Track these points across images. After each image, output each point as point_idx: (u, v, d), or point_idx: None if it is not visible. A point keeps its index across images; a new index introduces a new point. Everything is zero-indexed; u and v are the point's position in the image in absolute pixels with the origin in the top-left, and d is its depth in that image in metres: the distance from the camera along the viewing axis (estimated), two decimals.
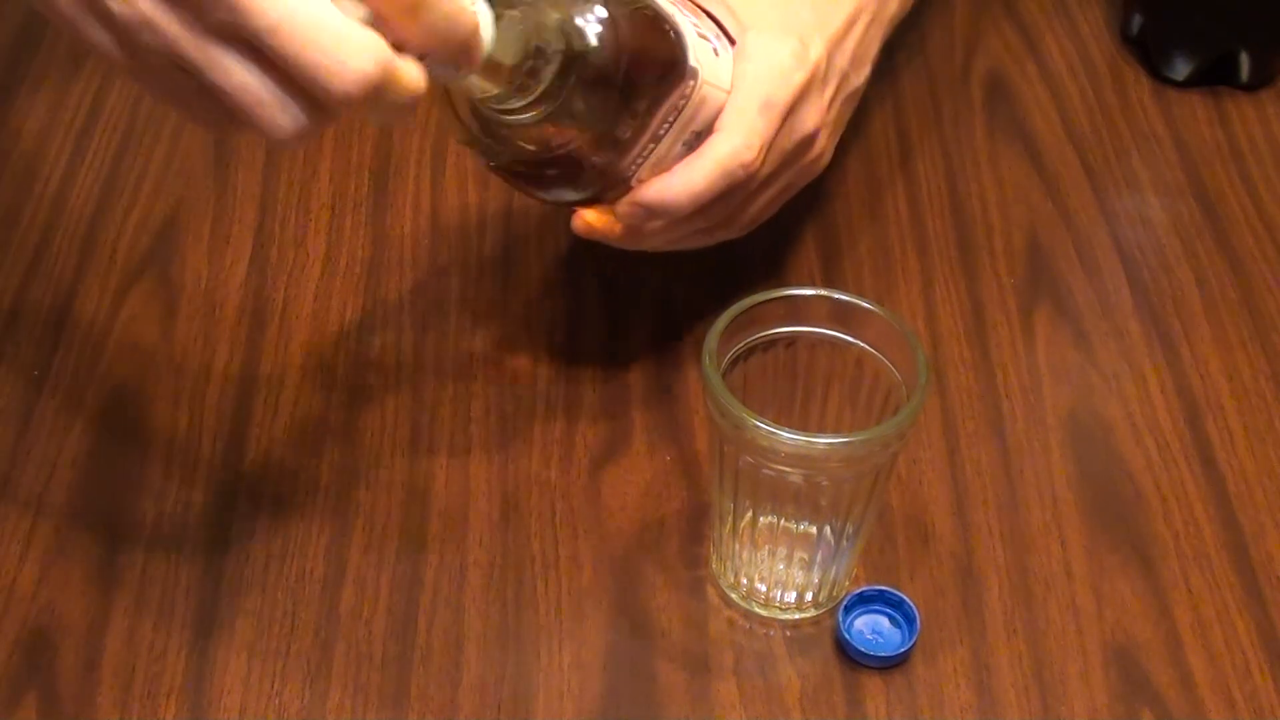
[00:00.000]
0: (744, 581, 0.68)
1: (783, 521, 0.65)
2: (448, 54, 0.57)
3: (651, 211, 0.68)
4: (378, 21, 0.53)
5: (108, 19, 0.52)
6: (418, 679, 0.65)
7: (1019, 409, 0.76)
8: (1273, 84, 0.95)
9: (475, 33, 0.57)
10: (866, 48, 0.77)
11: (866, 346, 0.65)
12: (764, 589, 0.67)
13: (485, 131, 0.65)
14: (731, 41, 0.71)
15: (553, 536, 0.70)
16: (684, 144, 0.68)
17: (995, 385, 0.77)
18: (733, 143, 0.69)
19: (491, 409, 0.75)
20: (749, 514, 0.66)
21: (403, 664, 0.65)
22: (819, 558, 0.66)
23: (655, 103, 0.66)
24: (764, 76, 0.70)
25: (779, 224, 0.79)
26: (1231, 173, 0.89)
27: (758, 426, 0.60)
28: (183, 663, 0.65)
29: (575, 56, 0.62)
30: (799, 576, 0.67)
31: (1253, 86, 0.94)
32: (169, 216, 0.84)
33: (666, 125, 0.67)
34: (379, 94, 0.53)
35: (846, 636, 0.66)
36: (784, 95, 0.70)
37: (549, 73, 0.62)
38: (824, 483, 0.63)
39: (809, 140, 0.73)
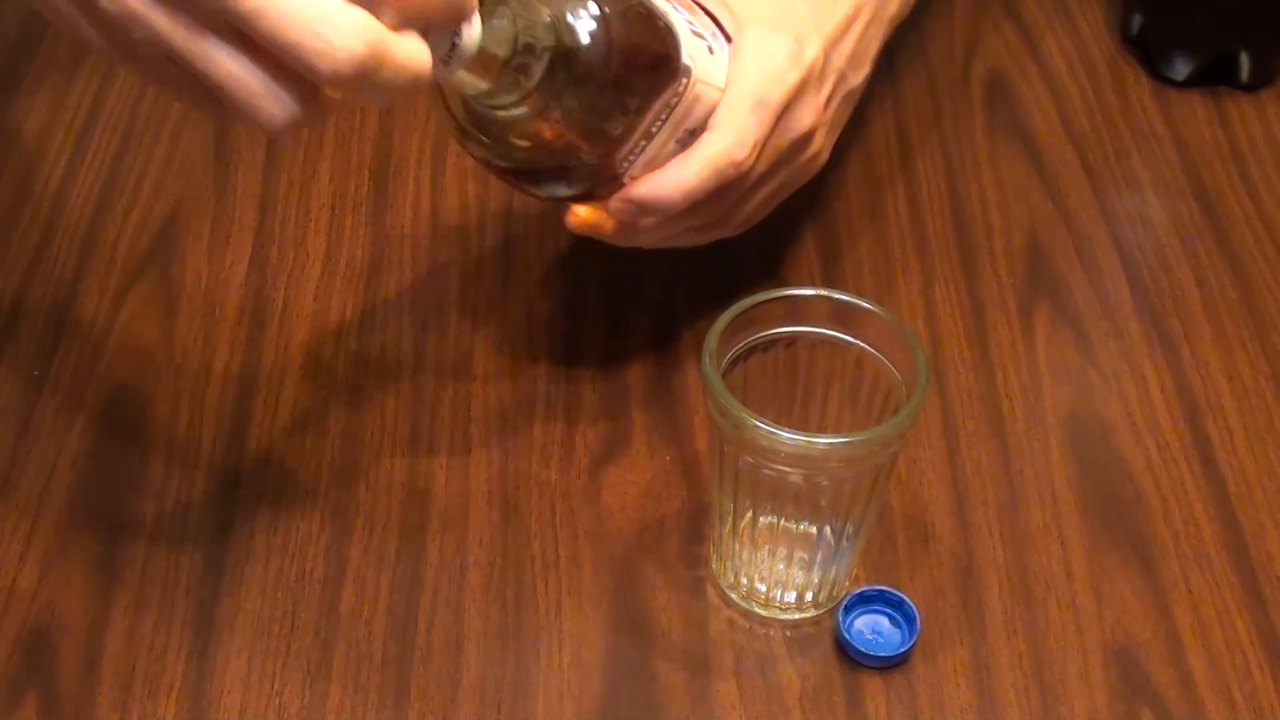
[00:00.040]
0: (744, 581, 0.68)
1: (783, 521, 0.65)
2: (440, 15, 0.56)
3: (643, 208, 0.68)
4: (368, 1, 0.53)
5: (98, 15, 0.53)
6: (418, 679, 0.65)
7: (1019, 409, 0.76)
8: (1273, 84, 0.95)
9: None
10: (866, 47, 0.77)
11: (866, 346, 0.65)
12: (764, 589, 0.67)
13: (478, 127, 0.65)
14: (729, 39, 0.71)
15: (553, 536, 0.70)
16: (677, 141, 0.68)
17: (995, 385, 0.77)
18: (725, 141, 0.68)
19: (491, 409, 0.75)
20: (749, 514, 0.66)
21: (403, 664, 0.65)
22: (819, 558, 0.66)
23: (647, 100, 0.66)
24: (758, 75, 0.70)
25: (779, 224, 0.79)
26: (1231, 173, 0.89)
27: (758, 426, 0.60)
28: (183, 663, 0.65)
29: (566, 53, 0.62)
30: (799, 576, 0.67)
31: (1253, 86, 0.94)
32: (169, 216, 0.84)
33: (659, 123, 0.67)
34: (371, 75, 0.52)
35: (846, 636, 0.66)
36: (778, 94, 0.70)
37: (539, 68, 0.62)
38: (824, 483, 0.63)
39: (804, 140, 0.73)
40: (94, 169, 0.87)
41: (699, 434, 0.74)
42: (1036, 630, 0.67)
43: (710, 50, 0.69)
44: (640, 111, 0.66)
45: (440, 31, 0.57)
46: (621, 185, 0.68)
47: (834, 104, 0.75)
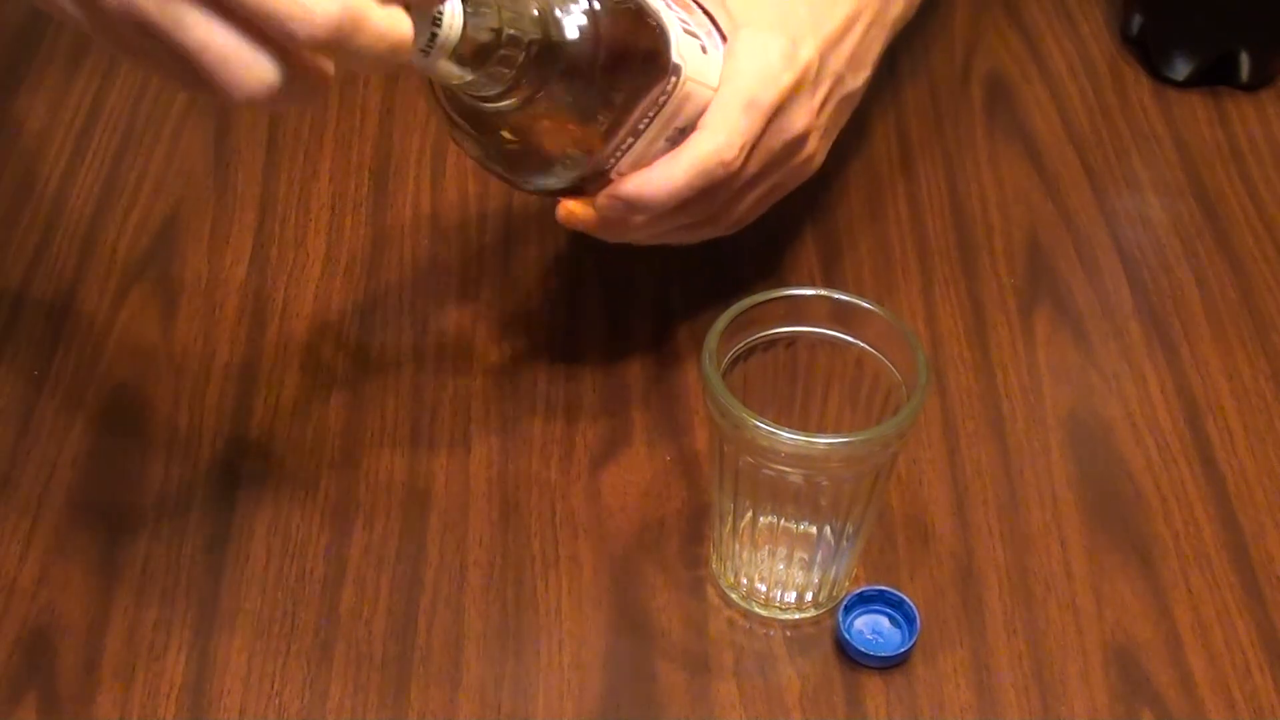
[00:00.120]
0: (744, 581, 0.68)
1: (783, 521, 0.65)
2: None
3: (630, 206, 0.68)
4: None
5: None
6: (418, 679, 0.65)
7: (1019, 409, 0.76)
8: (1273, 84, 0.95)
9: None
10: (866, 50, 0.77)
11: (866, 346, 0.65)
12: (764, 589, 0.67)
13: (466, 119, 0.65)
14: (725, 39, 0.71)
15: (553, 536, 0.70)
16: (667, 140, 0.68)
17: (995, 385, 0.77)
18: (714, 141, 0.68)
19: (491, 408, 0.75)
20: (749, 514, 0.66)
21: (403, 664, 0.65)
22: (819, 558, 0.66)
23: (633, 97, 0.65)
24: (750, 75, 0.69)
25: (779, 224, 0.79)
26: (1231, 173, 0.89)
27: (758, 426, 0.60)
28: (183, 663, 0.65)
29: (552, 46, 0.62)
30: (799, 576, 0.67)
31: (1253, 86, 0.94)
32: (169, 216, 0.84)
33: (647, 120, 0.66)
34: (348, 39, 0.51)
35: (846, 636, 0.66)
36: (769, 95, 0.70)
37: (524, 61, 0.62)
38: (824, 483, 0.63)
39: (797, 142, 0.72)
40: (94, 169, 0.87)
41: (699, 434, 0.74)
42: (1036, 630, 0.67)
43: (704, 49, 0.69)
44: (627, 108, 0.65)
45: (421, 15, 0.56)
46: (609, 181, 0.68)
47: (830, 107, 0.75)
